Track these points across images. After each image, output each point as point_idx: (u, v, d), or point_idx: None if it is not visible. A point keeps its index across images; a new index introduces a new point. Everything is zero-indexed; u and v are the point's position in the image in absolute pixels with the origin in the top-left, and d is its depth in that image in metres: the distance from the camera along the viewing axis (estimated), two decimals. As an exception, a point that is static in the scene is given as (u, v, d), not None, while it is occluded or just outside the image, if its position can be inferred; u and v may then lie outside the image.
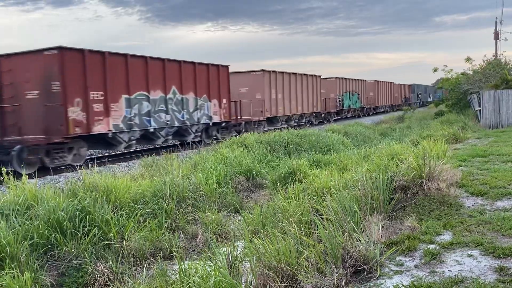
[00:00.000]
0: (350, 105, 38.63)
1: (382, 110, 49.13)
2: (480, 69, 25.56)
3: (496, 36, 39.86)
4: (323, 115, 33.40)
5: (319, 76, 31.90)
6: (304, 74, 29.26)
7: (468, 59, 26.96)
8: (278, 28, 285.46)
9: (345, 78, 37.68)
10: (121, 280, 5.50)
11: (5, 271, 5.03)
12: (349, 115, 39.35)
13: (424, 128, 19.16)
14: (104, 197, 7.18)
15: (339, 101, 36.21)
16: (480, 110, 19.29)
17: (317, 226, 4.50)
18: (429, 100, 70.22)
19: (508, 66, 24.64)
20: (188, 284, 4.24)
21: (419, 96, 65.48)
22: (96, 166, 9.90)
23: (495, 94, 18.73)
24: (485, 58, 27.08)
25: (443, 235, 4.68)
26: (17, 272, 4.99)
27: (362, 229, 4.81)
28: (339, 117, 36.87)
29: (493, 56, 29.45)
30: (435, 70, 30.96)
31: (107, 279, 5.50)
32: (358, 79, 40.61)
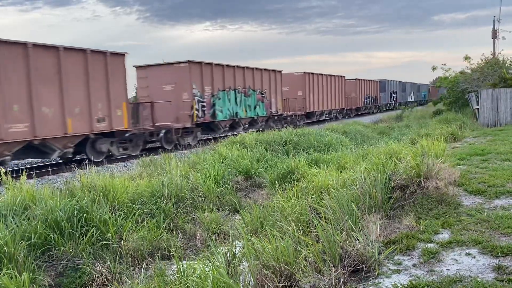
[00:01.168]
0: (237, 113, 22.17)
1: (323, 118, 33.12)
2: (478, 68, 25.55)
3: (494, 34, 39.89)
4: (162, 136, 17.57)
5: (122, 54, 15.26)
6: (64, 48, 13.12)
7: (466, 58, 26.94)
8: (277, 27, 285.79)
9: (223, 65, 21.19)
10: (119, 280, 5.50)
11: (3, 272, 5.01)
12: (240, 130, 22.11)
13: (422, 127, 19.15)
14: (102, 197, 7.16)
15: (204, 106, 19.77)
16: (478, 108, 19.31)
17: (316, 225, 4.49)
18: (409, 100, 57.19)
19: (506, 65, 24.61)
20: (186, 284, 4.23)
21: (394, 95, 52.53)
22: (94, 166, 9.88)
23: (493, 92, 18.75)
24: (483, 57, 27.08)
25: (442, 234, 4.68)
26: (15, 273, 4.97)
27: (361, 228, 4.80)
28: (211, 136, 20.61)
29: (491, 54, 29.37)
30: (434, 68, 30.97)
31: (105, 279, 5.49)
32: (261, 69, 24.82)
